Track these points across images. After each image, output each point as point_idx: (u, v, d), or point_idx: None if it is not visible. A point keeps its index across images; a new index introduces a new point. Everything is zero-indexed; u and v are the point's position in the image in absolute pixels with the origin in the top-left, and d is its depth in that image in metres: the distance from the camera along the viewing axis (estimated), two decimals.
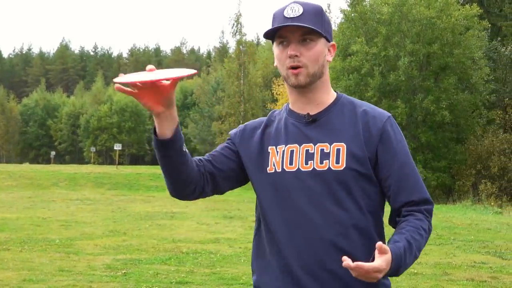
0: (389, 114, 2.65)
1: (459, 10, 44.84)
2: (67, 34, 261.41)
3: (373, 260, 2.25)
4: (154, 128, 2.51)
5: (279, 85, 65.79)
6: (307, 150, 2.52)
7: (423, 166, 41.93)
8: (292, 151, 2.54)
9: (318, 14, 2.60)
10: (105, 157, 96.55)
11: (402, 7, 43.06)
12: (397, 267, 2.34)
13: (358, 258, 2.28)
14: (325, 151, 2.49)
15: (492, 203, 34.78)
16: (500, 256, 14.13)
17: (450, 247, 15.31)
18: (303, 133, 2.56)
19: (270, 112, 2.77)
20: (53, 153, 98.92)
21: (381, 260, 2.24)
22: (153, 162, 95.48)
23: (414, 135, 41.92)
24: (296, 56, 2.49)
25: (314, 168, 2.51)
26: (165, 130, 2.45)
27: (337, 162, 2.46)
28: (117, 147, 70.61)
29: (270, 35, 2.60)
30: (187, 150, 2.59)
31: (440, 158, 41.90)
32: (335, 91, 2.71)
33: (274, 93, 66.34)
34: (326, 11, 2.69)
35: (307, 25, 2.52)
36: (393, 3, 43.50)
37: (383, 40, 42.62)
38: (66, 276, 10.73)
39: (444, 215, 24.04)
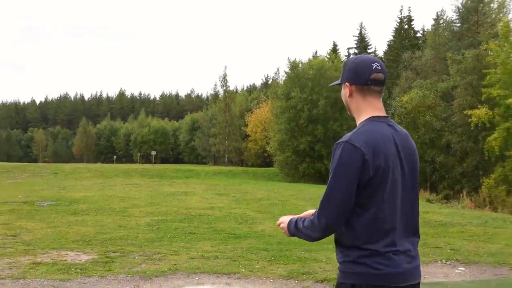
0: (339, 142, 2.12)
1: None
2: (123, 84, 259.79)
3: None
4: None
5: (249, 116, 65.97)
6: None
7: None
8: None
9: (343, 67, 2.30)
10: (146, 159, 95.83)
11: (320, 70, 43.36)
12: (290, 229, 2.27)
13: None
14: None
15: None
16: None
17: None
18: None
19: None
20: (115, 157, 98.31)
21: (283, 225, 2.32)
22: (175, 162, 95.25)
23: (328, 145, 42.05)
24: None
25: None
26: None
27: None
28: (153, 153, 70.57)
29: None
30: None
31: None
32: (367, 119, 2.18)
33: (246, 121, 66.43)
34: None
35: (331, 84, 2.37)
36: (315, 68, 43.77)
37: (310, 90, 42.81)
38: (123, 230, 10.68)
39: None
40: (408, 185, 2.14)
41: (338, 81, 2.31)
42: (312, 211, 2.26)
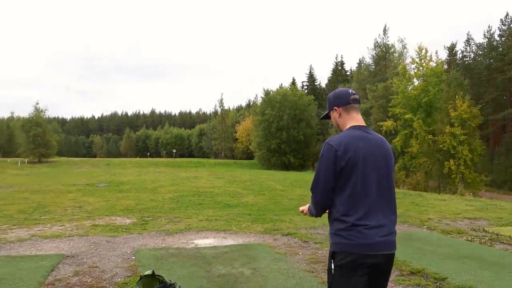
0: (324, 142, 2.00)
1: (306, 97, 45.52)
2: (154, 105, 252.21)
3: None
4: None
5: (238, 126, 65.74)
6: None
7: (293, 157, 42.17)
8: None
9: (328, 101, 2.15)
10: (169, 154, 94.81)
11: (284, 96, 43.47)
12: (310, 212, 2.11)
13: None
14: None
15: None
16: None
17: (289, 187, 15.41)
18: None
19: None
20: (148, 153, 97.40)
21: (302, 208, 2.19)
22: (188, 156, 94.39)
23: (290, 145, 42.18)
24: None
25: None
26: None
27: None
28: (174, 151, 69.90)
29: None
30: None
31: (300, 154, 42.24)
32: (348, 128, 2.05)
33: (236, 129, 66.24)
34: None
35: (321, 117, 2.19)
36: (281, 94, 43.84)
37: (277, 109, 42.87)
38: (154, 202, 10.54)
39: (309, 177, 24.03)
40: (384, 174, 1.94)
41: (327, 111, 2.17)
42: None
